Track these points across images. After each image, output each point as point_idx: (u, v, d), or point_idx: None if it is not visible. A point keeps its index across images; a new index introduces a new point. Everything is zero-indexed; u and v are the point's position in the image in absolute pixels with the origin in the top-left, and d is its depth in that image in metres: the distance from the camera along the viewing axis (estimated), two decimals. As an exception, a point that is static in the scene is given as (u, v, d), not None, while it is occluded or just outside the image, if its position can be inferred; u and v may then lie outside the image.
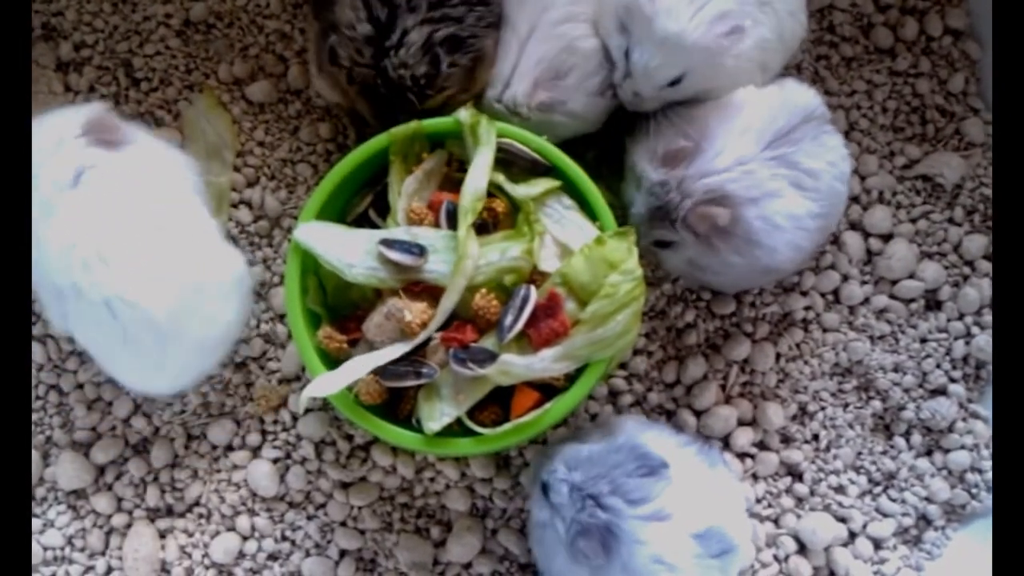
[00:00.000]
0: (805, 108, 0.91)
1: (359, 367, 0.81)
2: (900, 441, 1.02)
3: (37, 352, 1.02)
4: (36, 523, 1.00)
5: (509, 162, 0.88)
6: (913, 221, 1.05)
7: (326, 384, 0.81)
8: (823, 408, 1.02)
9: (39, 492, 1.00)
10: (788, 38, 0.95)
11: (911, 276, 1.04)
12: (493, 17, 0.94)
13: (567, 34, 0.94)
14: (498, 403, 0.86)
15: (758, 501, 1.00)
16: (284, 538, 1.00)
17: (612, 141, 1.03)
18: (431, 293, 0.84)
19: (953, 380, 1.03)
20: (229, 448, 1.02)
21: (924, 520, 1.01)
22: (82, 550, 1.00)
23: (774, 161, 0.88)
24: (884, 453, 1.02)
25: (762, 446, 1.02)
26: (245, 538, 1.00)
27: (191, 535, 1.00)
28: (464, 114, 0.88)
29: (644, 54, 0.89)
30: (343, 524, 0.99)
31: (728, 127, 0.89)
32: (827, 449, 1.02)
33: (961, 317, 1.04)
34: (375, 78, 0.91)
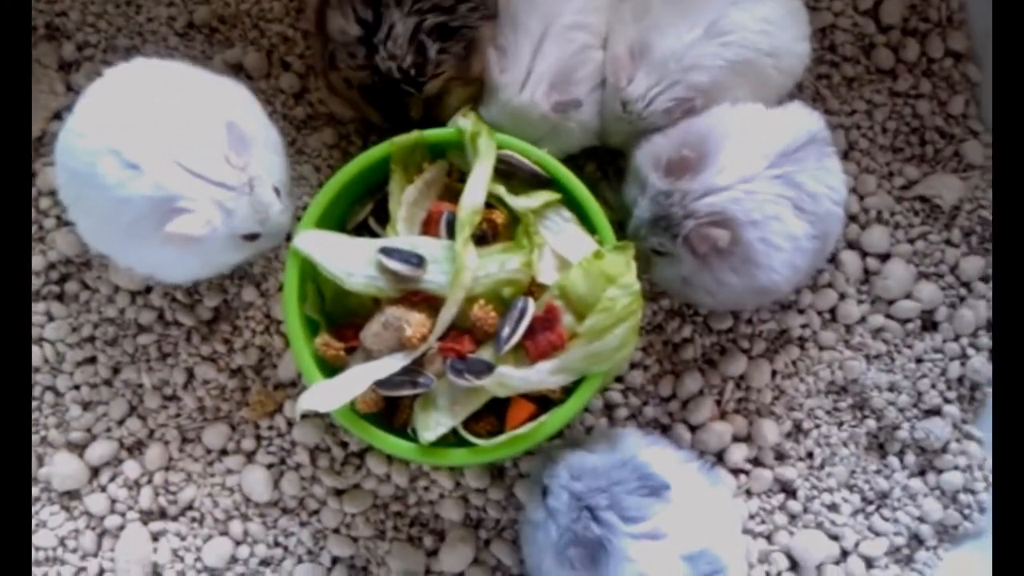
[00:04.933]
0: (810, 131, 0.91)
1: (358, 381, 0.81)
2: (894, 460, 1.02)
3: (34, 354, 1.02)
4: (28, 523, 1.00)
5: (509, 174, 0.89)
6: (911, 242, 1.06)
7: (324, 398, 0.80)
8: (818, 426, 1.03)
9: (32, 492, 1.00)
10: (776, 81, 0.97)
11: (908, 296, 1.04)
12: (487, 10, 0.95)
13: (578, 40, 0.95)
14: (494, 414, 0.86)
15: (751, 517, 1.00)
16: (277, 544, 1.00)
17: (611, 155, 1.04)
18: (430, 303, 0.84)
19: (948, 401, 1.03)
20: (223, 452, 1.02)
21: (916, 540, 1.01)
22: (74, 551, 1.00)
23: (778, 180, 0.88)
24: (878, 472, 1.02)
25: (756, 462, 1.02)
26: (238, 543, 0.99)
27: (184, 538, 1.00)
28: (466, 124, 0.88)
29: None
30: (336, 531, 0.99)
31: (732, 142, 0.88)
32: (821, 467, 1.02)
33: (957, 338, 1.04)
34: (370, 77, 0.92)
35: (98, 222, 0.89)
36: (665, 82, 0.93)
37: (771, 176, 0.88)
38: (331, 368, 0.85)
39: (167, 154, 0.82)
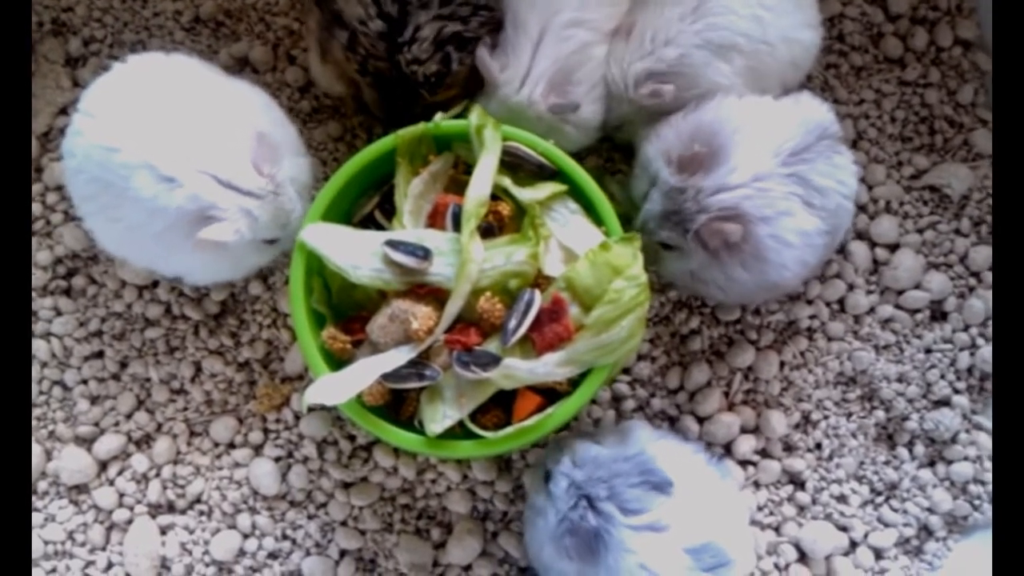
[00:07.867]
0: (820, 125, 0.91)
1: (365, 374, 0.81)
2: (903, 451, 1.02)
3: (41, 348, 1.02)
4: (37, 517, 1.00)
5: (516, 165, 0.88)
6: (920, 231, 1.05)
7: (331, 391, 0.80)
8: (826, 417, 1.02)
9: (41, 486, 1.01)
10: (775, 70, 0.97)
11: (917, 286, 1.04)
12: (494, 23, 0.95)
13: (577, 37, 0.94)
14: (500, 406, 0.86)
15: (759, 509, 1.00)
16: (285, 537, 1.00)
17: (614, 149, 1.04)
18: (436, 295, 0.84)
19: (957, 391, 1.02)
20: (231, 445, 1.02)
21: (925, 530, 1.01)
22: (83, 545, 1.00)
23: (789, 178, 0.88)
24: (887, 463, 1.01)
25: (764, 454, 1.02)
26: (246, 536, 1.00)
27: (192, 532, 1.00)
28: (472, 117, 0.88)
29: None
30: (344, 524, 0.99)
31: (744, 138, 0.88)
32: (830, 458, 1.01)
33: (966, 328, 1.03)
34: (390, 70, 0.92)
35: (127, 230, 0.89)
36: (640, 52, 0.94)
37: (783, 174, 0.88)
38: (338, 361, 0.85)
39: (199, 166, 0.84)
